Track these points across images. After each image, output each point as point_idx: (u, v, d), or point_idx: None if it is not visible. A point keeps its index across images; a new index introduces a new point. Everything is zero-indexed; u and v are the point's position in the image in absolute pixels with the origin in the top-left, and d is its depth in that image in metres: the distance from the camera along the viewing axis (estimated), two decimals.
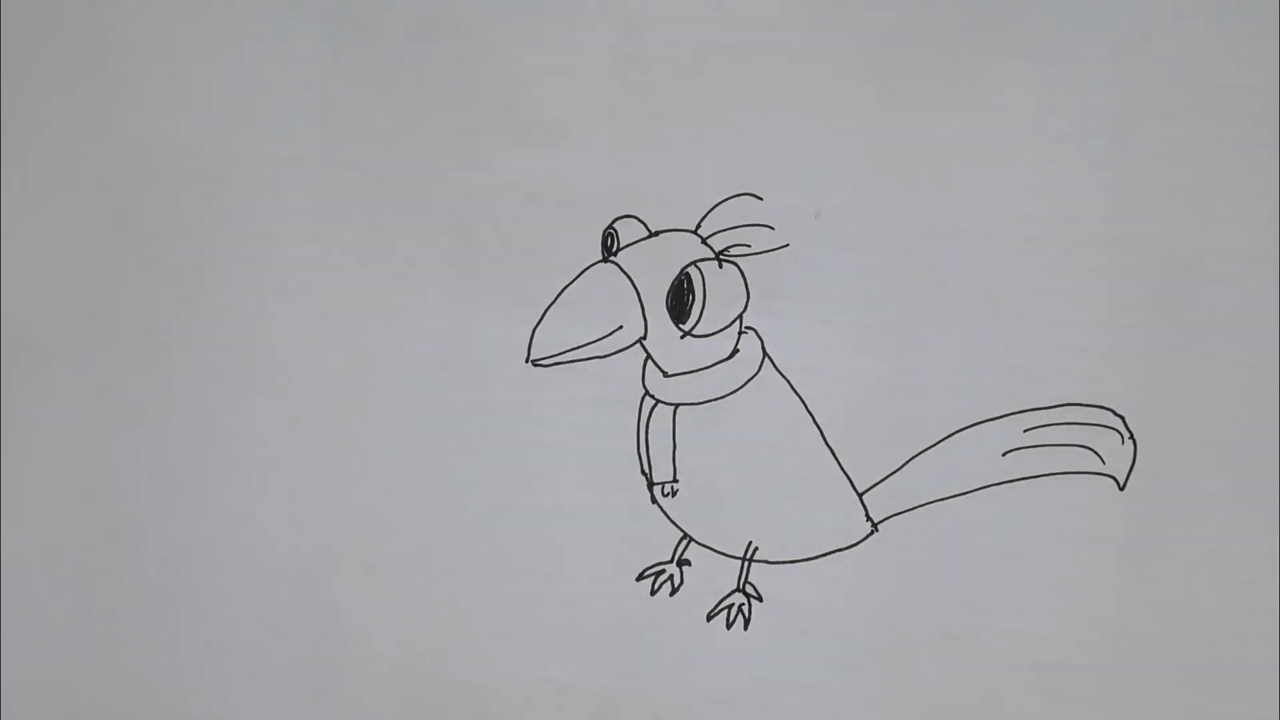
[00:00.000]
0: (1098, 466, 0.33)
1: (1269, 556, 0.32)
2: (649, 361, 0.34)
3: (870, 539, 0.33)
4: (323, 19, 0.36)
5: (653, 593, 0.34)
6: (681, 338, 0.34)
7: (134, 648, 0.36)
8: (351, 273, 0.35)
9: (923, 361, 0.33)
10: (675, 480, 0.34)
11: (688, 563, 0.34)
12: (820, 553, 0.33)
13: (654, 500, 0.34)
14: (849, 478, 0.33)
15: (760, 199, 0.34)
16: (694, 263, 0.34)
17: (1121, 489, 0.33)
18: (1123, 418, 0.33)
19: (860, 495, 0.33)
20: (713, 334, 0.34)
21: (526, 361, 0.34)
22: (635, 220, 0.34)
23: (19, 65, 0.37)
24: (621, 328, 0.34)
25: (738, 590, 0.34)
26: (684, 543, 0.34)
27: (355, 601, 0.35)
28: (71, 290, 0.36)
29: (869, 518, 0.33)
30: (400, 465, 0.35)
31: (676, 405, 0.34)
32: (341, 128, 0.35)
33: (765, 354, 0.34)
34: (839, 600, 0.33)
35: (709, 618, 0.34)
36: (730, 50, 0.34)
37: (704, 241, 0.34)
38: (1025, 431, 0.33)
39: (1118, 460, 0.33)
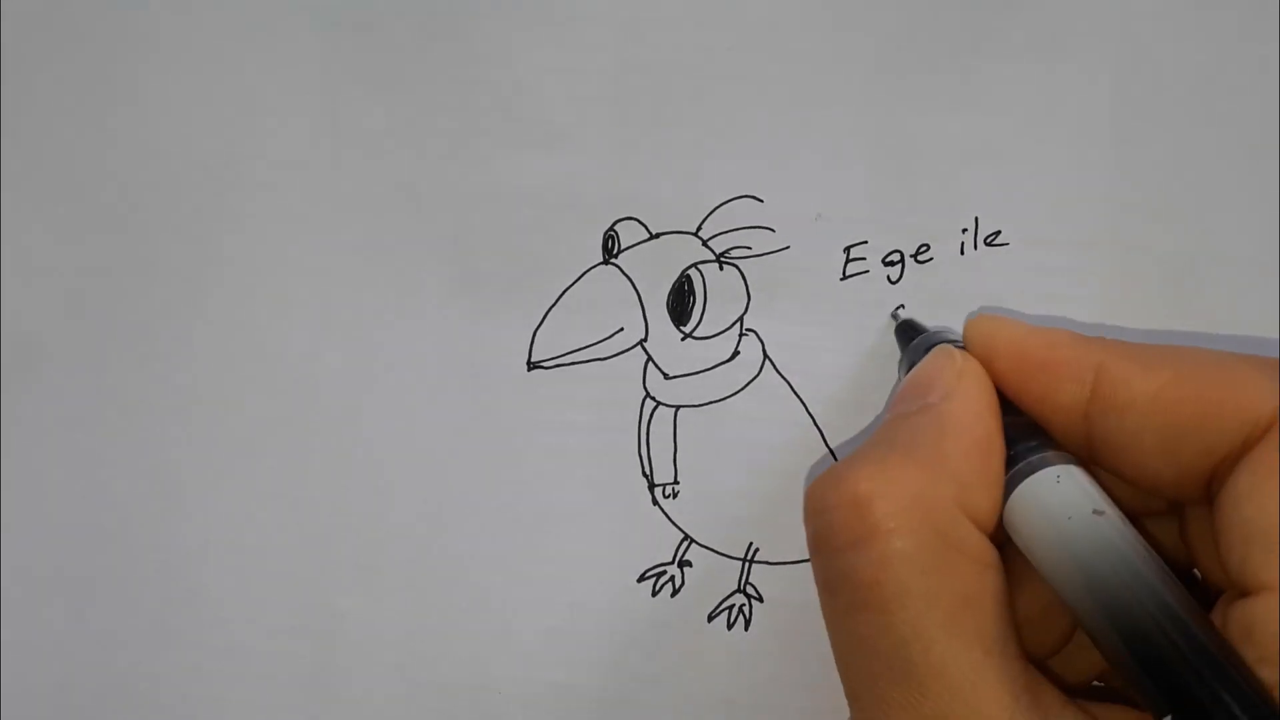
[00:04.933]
0: None
1: None
2: (650, 364, 0.34)
3: None
4: (323, 21, 0.36)
5: (654, 594, 0.34)
6: (682, 340, 0.34)
7: (132, 650, 0.36)
8: (351, 275, 0.35)
9: None
10: (676, 482, 0.34)
11: (689, 564, 0.34)
12: None
13: (655, 502, 0.34)
14: None
15: (761, 201, 0.34)
16: (695, 265, 0.34)
17: None
18: None
19: None
20: (713, 336, 0.34)
21: (527, 364, 0.34)
22: (636, 222, 0.34)
23: (19, 66, 0.36)
24: (622, 330, 0.34)
25: (739, 591, 0.34)
26: (685, 544, 0.34)
27: (354, 604, 0.35)
28: (71, 291, 0.36)
29: None
30: (400, 467, 0.35)
31: (677, 407, 0.34)
32: (341, 130, 0.35)
33: (766, 356, 0.34)
34: None
35: (710, 618, 0.34)
36: (731, 52, 0.34)
37: (705, 244, 0.34)
38: None
39: None
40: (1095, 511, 0.24)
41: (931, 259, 0.33)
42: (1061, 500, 0.24)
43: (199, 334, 0.36)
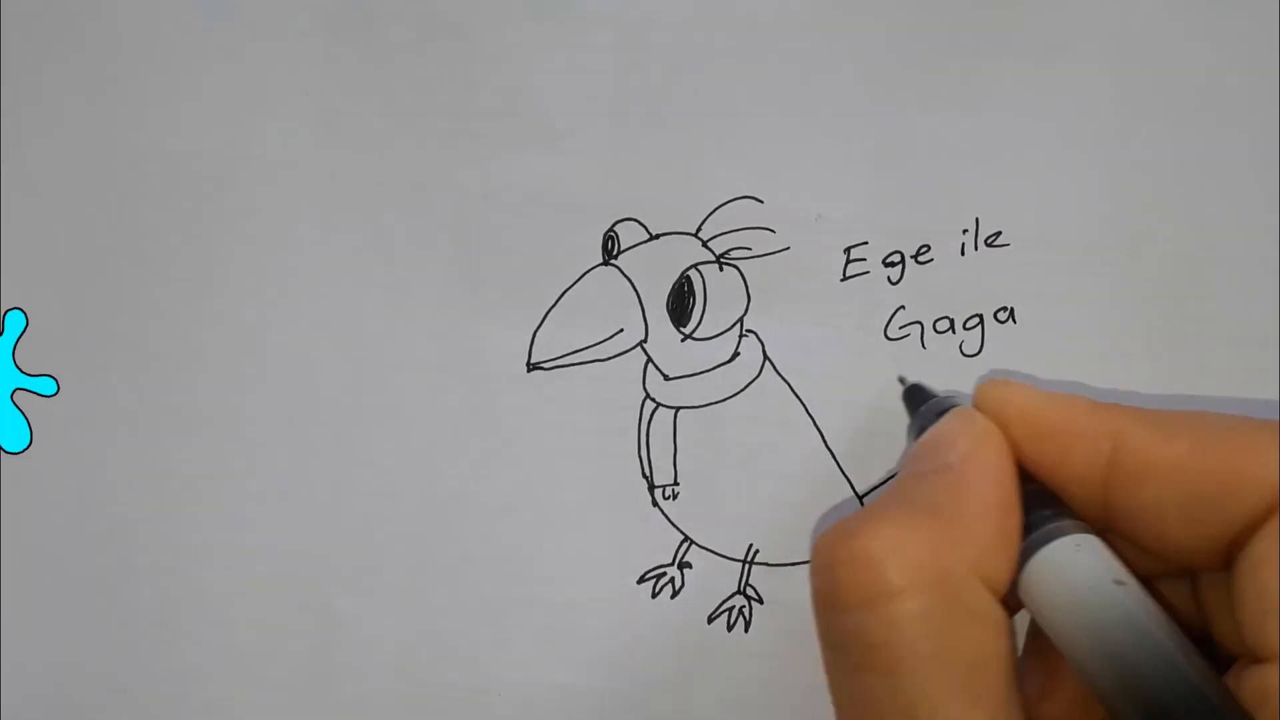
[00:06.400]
0: None
1: None
2: (649, 365, 0.34)
3: None
4: (322, 21, 0.35)
5: (654, 595, 0.34)
6: (682, 341, 0.34)
7: (132, 651, 0.36)
8: (351, 276, 0.35)
9: (923, 364, 0.33)
10: (676, 483, 0.34)
11: (689, 565, 0.34)
12: None
13: (655, 503, 0.34)
14: (850, 480, 0.33)
15: (761, 202, 0.34)
16: (695, 266, 0.34)
17: None
18: None
19: (861, 498, 0.33)
20: (713, 337, 0.34)
21: (527, 364, 0.34)
22: (636, 223, 0.34)
23: (19, 67, 0.36)
24: (622, 331, 0.34)
25: (739, 593, 0.34)
26: (685, 545, 0.34)
27: (354, 605, 0.35)
28: (71, 292, 0.36)
29: None
30: (400, 469, 0.35)
31: (677, 408, 0.34)
32: (341, 131, 0.35)
33: (766, 357, 0.34)
34: None
35: (710, 620, 0.34)
36: (731, 53, 0.34)
37: (705, 244, 0.34)
38: None
39: None
40: (1116, 582, 0.24)
41: (932, 259, 0.33)
42: (1081, 569, 0.24)
43: (199, 334, 0.36)
